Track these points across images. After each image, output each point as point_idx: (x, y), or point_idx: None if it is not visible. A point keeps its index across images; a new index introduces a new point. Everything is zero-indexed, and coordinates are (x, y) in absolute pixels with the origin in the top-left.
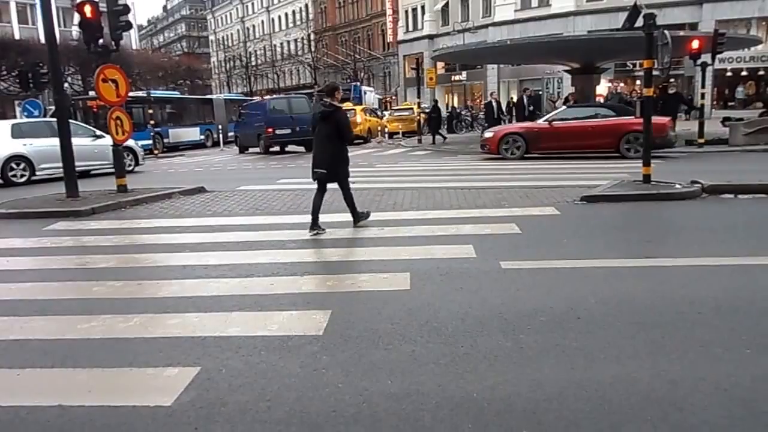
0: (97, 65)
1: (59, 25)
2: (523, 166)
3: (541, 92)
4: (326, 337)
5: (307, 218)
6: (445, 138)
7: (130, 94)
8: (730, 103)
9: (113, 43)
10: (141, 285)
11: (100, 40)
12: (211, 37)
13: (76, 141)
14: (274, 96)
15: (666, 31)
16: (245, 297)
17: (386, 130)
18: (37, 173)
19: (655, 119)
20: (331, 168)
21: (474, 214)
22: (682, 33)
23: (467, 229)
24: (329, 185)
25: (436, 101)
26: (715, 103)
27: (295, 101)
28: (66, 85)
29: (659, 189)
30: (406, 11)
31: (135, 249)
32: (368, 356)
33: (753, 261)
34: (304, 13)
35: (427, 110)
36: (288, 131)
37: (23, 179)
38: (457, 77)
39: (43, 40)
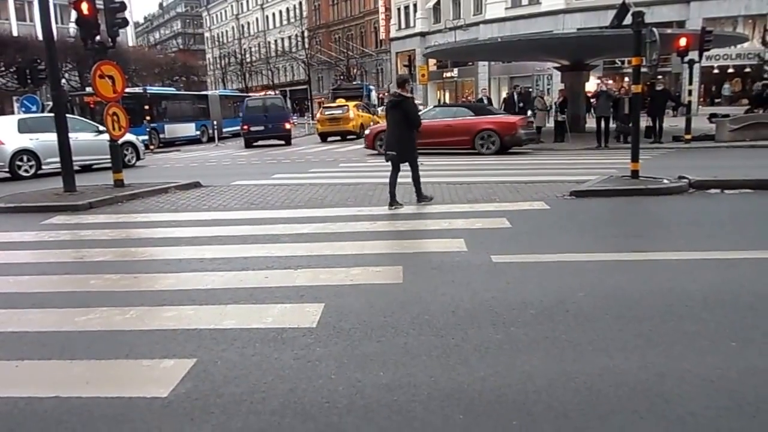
0: (94, 62)
1: (57, 22)
2: (513, 161)
3: (531, 89)
4: (320, 330)
5: (301, 213)
6: None
7: (127, 90)
8: (716, 100)
9: (110, 39)
10: (137, 278)
11: (97, 37)
12: (207, 34)
13: (80, 136)
14: (252, 95)
15: (654, 29)
16: (240, 290)
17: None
18: (44, 167)
19: (504, 118)
20: (400, 150)
21: (465, 208)
22: (669, 31)
23: (458, 224)
24: (401, 165)
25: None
26: (702, 99)
27: (270, 101)
28: (63, 81)
29: (647, 184)
30: (399, 9)
31: (132, 243)
32: (361, 348)
33: (739, 255)
34: (298, 11)
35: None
36: (262, 128)
37: (30, 173)
38: (448, 74)
39: (40, 36)
